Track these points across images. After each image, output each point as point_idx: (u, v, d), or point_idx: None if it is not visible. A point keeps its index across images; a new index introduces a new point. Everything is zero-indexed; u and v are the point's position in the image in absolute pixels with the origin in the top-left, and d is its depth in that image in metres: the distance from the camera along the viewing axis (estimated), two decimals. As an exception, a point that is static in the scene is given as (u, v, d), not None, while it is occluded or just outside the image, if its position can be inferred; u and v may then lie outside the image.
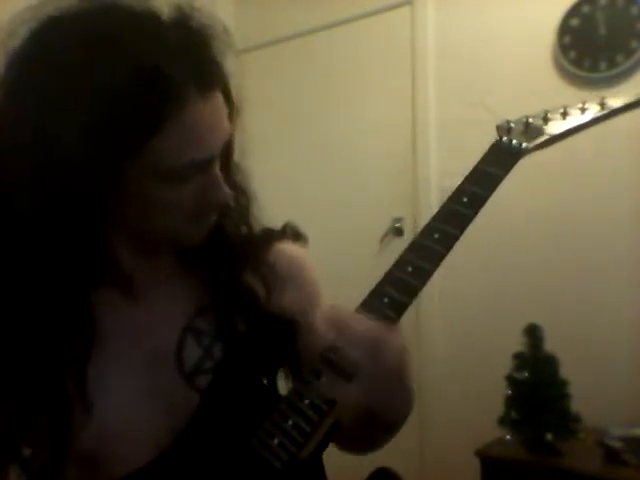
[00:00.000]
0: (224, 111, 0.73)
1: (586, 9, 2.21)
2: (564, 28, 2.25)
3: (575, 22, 2.23)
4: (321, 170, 2.86)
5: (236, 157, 0.81)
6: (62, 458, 0.75)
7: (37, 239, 0.70)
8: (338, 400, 0.70)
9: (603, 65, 2.18)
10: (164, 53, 0.66)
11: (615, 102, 0.85)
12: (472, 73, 2.45)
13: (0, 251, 0.71)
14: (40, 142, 0.66)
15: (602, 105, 0.85)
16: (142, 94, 0.64)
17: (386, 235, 2.65)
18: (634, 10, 2.14)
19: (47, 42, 0.68)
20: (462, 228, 0.76)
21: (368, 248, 2.65)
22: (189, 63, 0.68)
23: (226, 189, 0.75)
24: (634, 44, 2.13)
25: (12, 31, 0.70)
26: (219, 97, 0.72)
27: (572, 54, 2.24)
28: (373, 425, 0.80)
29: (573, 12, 2.23)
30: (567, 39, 2.25)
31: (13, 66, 0.70)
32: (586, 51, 2.21)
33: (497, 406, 1.99)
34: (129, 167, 0.67)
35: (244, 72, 2.96)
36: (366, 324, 0.70)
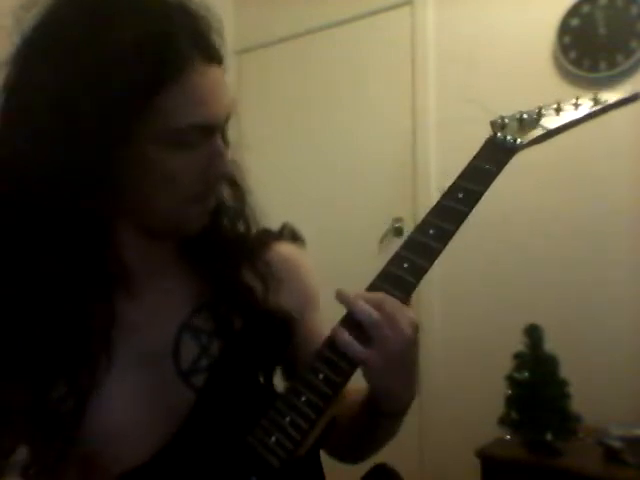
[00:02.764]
0: (225, 86, 0.75)
1: (586, 9, 2.21)
2: (564, 28, 2.25)
3: (575, 22, 2.23)
4: (321, 170, 2.86)
5: (233, 154, 0.81)
6: (66, 455, 0.75)
7: (49, 223, 0.70)
8: (361, 361, 0.71)
9: (603, 65, 2.18)
10: (171, 23, 0.70)
11: (608, 97, 0.85)
12: (472, 73, 2.45)
13: (10, 240, 0.72)
14: (56, 111, 0.68)
15: (595, 100, 0.85)
16: (149, 54, 0.67)
17: (386, 235, 2.65)
18: (634, 10, 2.14)
19: (60, 15, 0.71)
20: (457, 224, 0.77)
21: (368, 248, 2.65)
22: (193, 35, 0.71)
23: (229, 163, 0.76)
24: (634, 44, 2.13)
25: (26, 7, 0.72)
26: (220, 71, 0.74)
27: (572, 54, 2.24)
28: (375, 418, 0.79)
29: (573, 12, 2.23)
30: (567, 39, 2.25)
31: (27, 40, 0.72)
32: (586, 51, 2.21)
33: (497, 406, 1.99)
34: (137, 131, 0.69)
35: (244, 72, 2.96)
36: (383, 295, 0.72)
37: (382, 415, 0.78)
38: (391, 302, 0.71)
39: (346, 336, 0.71)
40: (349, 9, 2.75)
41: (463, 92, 2.44)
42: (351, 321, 0.72)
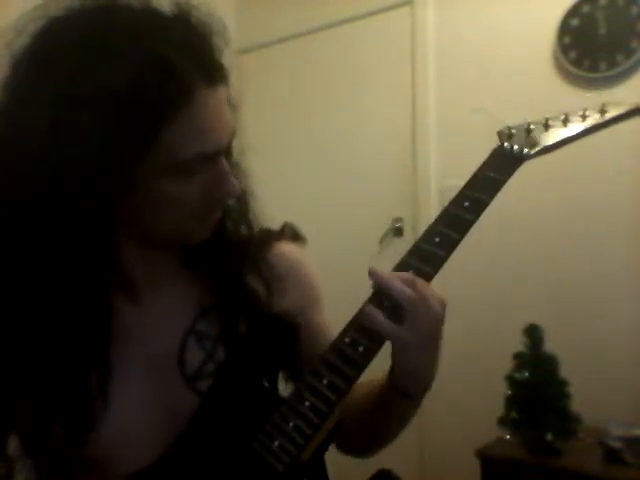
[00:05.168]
0: (227, 105, 0.74)
1: (586, 9, 2.21)
2: (564, 28, 2.25)
3: (575, 22, 2.23)
4: (321, 170, 2.86)
5: (235, 157, 0.81)
6: (77, 459, 0.75)
7: (50, 239, 0.69)
8: (393, 337, 0.71)
9: (603, 65, 2.18)
10: (172, 47, 0.66)
11: (616, 110, 0.85)
12: (472, 73, 2.45)
13: (14, 252, 0.71)
14: (55, 141, 0.65)
15: (602, 112, 0.85)
16: (152, 87, 0.64)
17: (386, 235, 2.65)
18: (634, 10, 2.14)
19: (56, 41, 0.68)
20: (463, 232, 0.77)
21: (368, 248, 2.65)
22: (194, 56, 0.68)
23: (235, 182, 0.75)
24: (634, 44, 2.13)
25: (19, 30, 0.70)
26: (223, 91, 0.72)
27: (572, 54, 2.24)
28: (394, 399, 0.79)
29: (573, 12, 2.23)
30: (567, 39, 2.24)
31: (20, 66, 0.69)
32: (586, 51, 2.21)
33: (497, 406, 1.99)
34: (141, 163, 0.67)
35: (244, 72, 2.96)
36: (412, 275, 0.73)
37: (402, 395, 0.78)
38: (421, 281, 0.73)
39: (378, 314, 0.72)
40: (349, 9, 2.75)
41: (463, 92, 2.44)
42: (378, 301, 0.73)
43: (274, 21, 2.96)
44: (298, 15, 2.88)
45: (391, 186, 2.66)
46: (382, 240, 2.66)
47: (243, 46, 3.01)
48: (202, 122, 0.69)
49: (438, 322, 0.73)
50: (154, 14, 0.70)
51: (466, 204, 0.78)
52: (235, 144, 0.81)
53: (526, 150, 0.82)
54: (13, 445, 0.77)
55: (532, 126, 0.85)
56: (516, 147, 0.83)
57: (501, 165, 0.82)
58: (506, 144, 0.83)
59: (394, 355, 0.74)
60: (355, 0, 2.74)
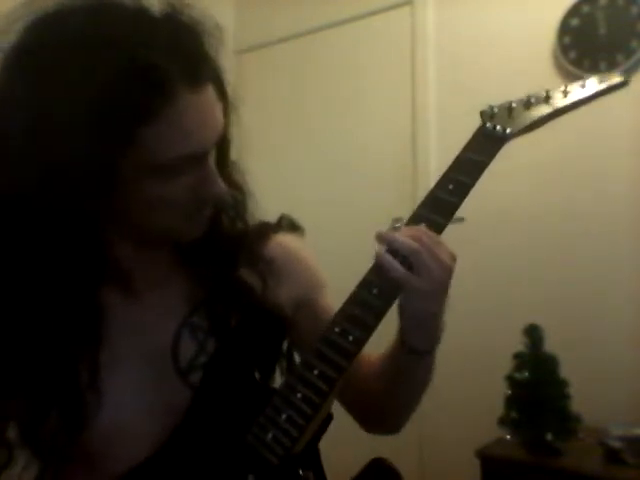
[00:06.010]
0: (217, 106, 0.73)
1: (586, 9, 2.21)
2: (564, 28, 2.25)
3: (575, 22, 2.23)
4: (321, 170, 2.86)
5: (233, 154, 0.81)
6: (72, 451, 0.75)
7: (35, 236, 0.70)
8: (404, 281, 0.73)
9: (603, 65, 2.18)
10: (153, 48, 0.65)
11: (596, 85, 0.85)
12: (472, 73, 2.45)
13: (3, 251, 0.71)
14: (32, 139, 0.65)
15: (584, 87, 0.85)
16: (131, 89, 0.64)
17: (386, 235, 2.65)
18: (634, 10, 2.14)
19: (39, 39, 0.68)
20: (448, 216, 0.77)
21: (368, 248, 2.64)
22: (178, 57, 0.67)
23: (221, 184, 0.75)
24: (634, 44, 2.13)
25: (5, 28, 0.69)
26: (210, 91, 0.71)
27: (572, 54, 2.24)
28: (405, 357, 0.81)
29: (573, 12, 2.23)
30: (567, 39, 2.25)
31: (5, 64, 0.69)
32: (586, 51, 2.21)
33: (497, 406, 1.99)
34: (122, 163, 0.67)
35: (244, 72, 2.96)
36: (420, 228, 0.76)
37: (412, 352, 0.79)
38: (429, 235, 0.74)
39: (394, 261, 0.73)
40: (349, 9, 2.75)
41: (463, 92, 2.44)
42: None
43: (274, 21, 2.96)
44: (298, 15, 2.88)
45: (391, 186, 2.66)
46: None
47: (243, 46, 3.02)
48: (185, 123, 0.68)
49: (445, 271, 0.74)
50: (140, 14, 0.69)
51: (450, 187, 0.78)
52: (232, 142, 0.80)
53: (509, 129, 0.81)
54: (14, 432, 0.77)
55: (514, 104, 0.84)
56: (499, 127, 0.82)
57: (484, 146, 0.81)
58: (488, 124, 0.82)
59: (402, 307, 0.76)
60: (355, 0, 2.74)
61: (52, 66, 0.65)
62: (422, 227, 0.76)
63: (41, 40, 0.68)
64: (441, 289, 0.75)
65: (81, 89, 0.63)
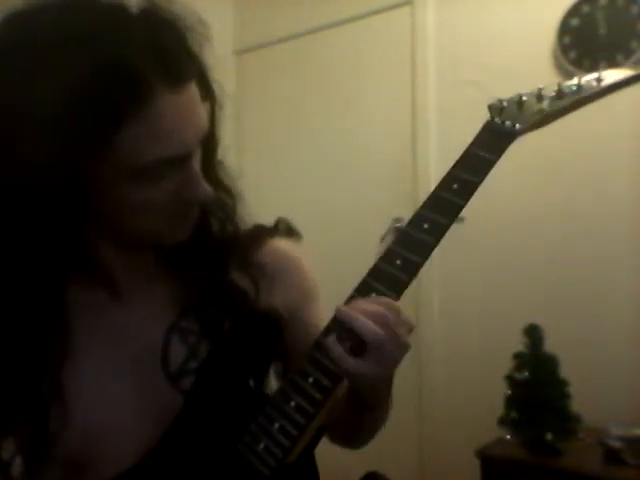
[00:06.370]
0: (199, 105, 0.69)
1: (586, 9, 2.21)
2: (564, 28, 2.25)
3: (575, 22, 2.23)
4: (321, 170, 2.86)
5: (232, 155, 0.79)
6: (42, 460, 0.73)
7: (8, 237, 0.68)
8: (353, 374, 0.68)
9: (603, 65, 2.17)
10: (128, 46, 0.63)
11: (612, 78, 0.79)
12: (472, 73, 2.44)
13: None
14: (3, 140, 0.64)
15: (599, 81, 0.79)
16: (105, 89, 0.61)
17: (386, 235, 2.65)
18: (634, 10, 2.14)
19: (10, 39, 0.66)
20: (452, 217, 0.73)
21: (368, 248, 2.64)
22: (156, 55, 0.64)
23: (205, 186, 0.72)
24: (634, 44, 2.13)
25: None
26: (193, 90, 0.68)
27: (572, 54, 2.23)
28: (360, 412, 0.79)
29: (573, 12, 2.23)
30: (567, 39, 2.24)
31: None
32: (586, 51, 2.21)
33: (497, 406, 1.99)
34: (97, 166, 0.65)
35: (244, 72, 2.96)
36: (384, 310, 0.69)
37: (367, 410, 0.78)
38: (393, 316, 0.68)
39: (338, 349, 0.68)
40: (349, 9, 2.75)
41: (463, 92, 2.44)
42: (342, 327, 0.69)
43: (273, 21, 2.96)
44: (298, 15, 2.88)
45: (391, 186, 2.66)
46: (382, 240, 2.65)
47: (243, 46, 3.02)
48: (165, 125, 0.65)
49: (404, 352, 0.69)
50: (115, 11, 0.66)
51: (455, 186, 0.74)
52: (220, 141, 0.78)
53: (518, 125, 0.76)
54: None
55: (524, 98, 0.78)
56: (508, 122, 0.76)
57: (492, 142, 0.75)
58: (497, 119, 0.77)
59: (350, 382, 0.72)
60: (355, 0, 2.74)
61: (22, 66, 0.63)
62: (384, 301, 0.69)
63: (12, 39, 0.65)
64: (393, 368, 0.71)
65: (52, 90, 0.61)
